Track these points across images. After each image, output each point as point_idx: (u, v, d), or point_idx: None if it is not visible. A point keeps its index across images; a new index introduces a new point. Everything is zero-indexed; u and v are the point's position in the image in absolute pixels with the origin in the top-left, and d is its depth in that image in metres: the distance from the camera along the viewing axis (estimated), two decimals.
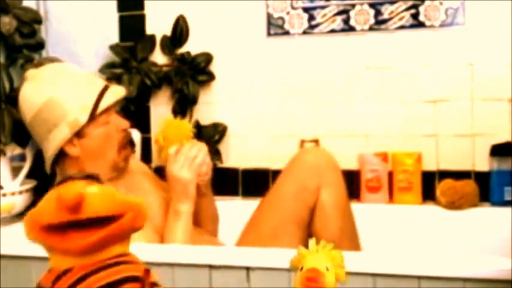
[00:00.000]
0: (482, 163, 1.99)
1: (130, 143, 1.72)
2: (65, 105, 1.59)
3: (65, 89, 1.62)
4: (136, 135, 2.09)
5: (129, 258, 0.80)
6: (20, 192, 1.84)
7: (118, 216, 0.77)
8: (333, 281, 0.79)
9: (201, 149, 1.68)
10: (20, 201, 1.84)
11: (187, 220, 1.65)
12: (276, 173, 2.10)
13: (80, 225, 0.75)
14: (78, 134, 1.61)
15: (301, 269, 0.80)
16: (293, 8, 2.10)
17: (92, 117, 1.60)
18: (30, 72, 1.68)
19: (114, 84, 1.71)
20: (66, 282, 0.77)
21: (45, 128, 1.62)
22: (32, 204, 1.88)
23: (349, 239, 1.76)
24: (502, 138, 1.96)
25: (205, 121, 2.18)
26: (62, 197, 0.74)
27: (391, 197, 2.06)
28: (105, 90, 1.63)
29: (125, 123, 1.68)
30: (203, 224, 1.84)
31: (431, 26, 2.01)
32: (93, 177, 0.79)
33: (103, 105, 1.61)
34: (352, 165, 2.07)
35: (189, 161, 1.65)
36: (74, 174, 0.80)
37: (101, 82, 1.68)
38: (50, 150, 1.63)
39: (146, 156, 2.21)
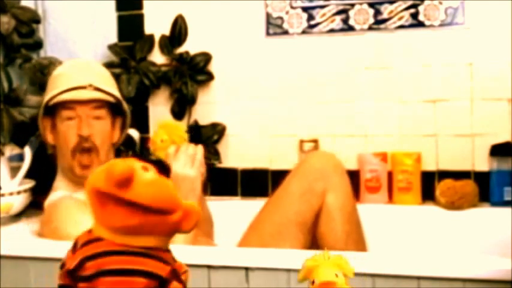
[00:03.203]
0: (482, 163, 1.99)
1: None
2: (56, 83, 1.70)
3: (70, 73, 1.72)
4: (135, 135, 2.09)
5: (161, 254, 0.79)
6: (18, 193, 1.83)
7: (165, 212, 0.76)
8: (344, 284, 0.83)
9: (198, 147, 1.68)
10: (18, 202, 1.83)
11: None
12: (275, 173, 2.10)
13: (124, 203, 0.74)
14: (53, 122, 1.72)
15: (313, 282, 0.84)
16: (292, 7, 2.10)
17: (49, 100, 1.68)
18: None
19: (93, 90, 1.70)
20: (90, 250, 0.76)
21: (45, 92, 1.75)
22: (31, 204, 1.88)
23: (355, 243, 1.75)
24: (502, 138, 1.95)
25: (204, 121, 2.17)
26: (110, 168, 0.73)
27: (390, 197, 2.05)
28: (78, 88, 1.67)
29: (84, 130, 1.68)
30: (198, 225, 1.83)
31: (431, 26, 2.00)
32: (164, 167, 0.79)
33: (59, 98, 1.67)
34: (351, 165, 2.06)
35: (190, 159, 1.65)
36: (149, 155, 0.80)
37: (85, 82, 1.69)
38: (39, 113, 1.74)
39: (145, 157, 2.20)
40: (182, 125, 1.76)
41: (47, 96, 1.70)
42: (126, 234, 0.76)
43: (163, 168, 0.79)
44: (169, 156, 1.66)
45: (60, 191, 1.71)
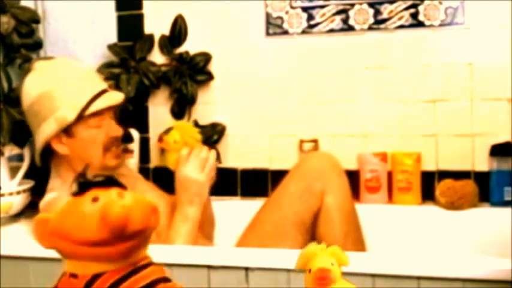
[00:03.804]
0: (482, 163, 1.99)
1: (128, 142, 1.73)
2: (56, 101, 1.60)
3: (63, 84, 1.62)
4: (134, 135, 2.09)
5: (150, 259, 0.81)
6: (18, 193, 1.83)
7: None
8: (339, 273, 0.87)
9: (211, 152, 1.68)
10: (18, 202, 1.83)
11: (194, 226, 1.65)
12: (275, 173, 2.10)
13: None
14: (68, 132, 1.62)
15: (310, 271, 0.87)
16: (292, 7, 2.10)
17: (80, 117, 1.60)
18: (38, 64, 1.68)
19: (113, 90, 1.70)
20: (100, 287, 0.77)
21: (36, 120, 1.64)
22: (30, 204, 1.88)
23: (354, 244, 1.75)
24: (502, 138, 1.95)
25: (203, 121, 2.17)
26: (108, 219, 0.73)
27: (390, 197, 2.05)
28: (101, 93, 1.63)
29: (117, 130, 1.68)
30: (200, 227, 1.84)
31: (431, 26, 2.00)
32: (112, 181, 0.79)
33: (94, 107, 1.61)
34: (351, 165, 2.06)
35: (202, 163, 1.65)
36: (91, 178, 0.78)
37: (101, 85, 1.67)
38: (38, 143, 1.65)
39: (144, 157, 2.21)
40: (194, 127, 1.75)
41: (71, 112, 1.59)
42: (125, 259, 0.77)
43: (114, 182, 0.79)
44: (181, 158, 1.66)
45: (56, 191, 1.70)
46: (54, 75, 1.65)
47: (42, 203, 1.66)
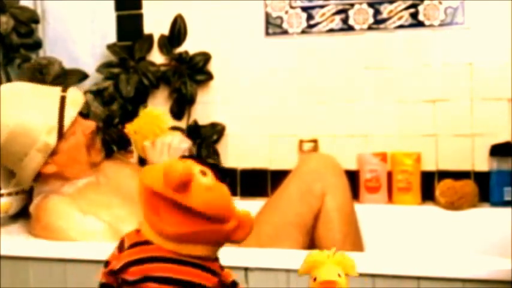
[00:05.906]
0: (482, 163, 1.99)
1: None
2: (29, 133, 1.59)
3: (23, 114, 1.59)
4: None
5: (210, 264, 0.77)
6: (17, 193, 1.82)
7: (220, 220, 0.74)
8: (346, 285, 0.82)
9: (175, 135, 1.69)
10: (17, 202, 1.82)
11: None
12: (275, 173, 2.10)
13: (178, 208, 0.72)
14: (51, 153, 1.62)
15: (315, 279, 0.82)
16: (291, 7, 2.09)
17: (60, 136, 1.61)
18: None
19: (68, 91, 1.66)
20: (136, 253, 0.75)
21: (15, 158, 1.62)
22: (28, 205, 1.87)
23: (352, 245, 1.75)
24: (502, 138, 1.95)
25: (203, 121, 2.17)
26: (169, 171, 0.71)
27: (390, 197, 2.05)
28: (63, 103, 1.62)
29: (90, 125, 1.68)
30: None
31: (431, 26, 2.00)
32: (221, 172, 0.77)
33: (68, 120, 1.61)
34: (351, 166, 2.06)
35: (166, 147, 1.65)
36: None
37: (55, 94, 1.64)
38: (25, 176, 1.65)
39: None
40: (162, 114, 1.74)
41: (50, 136, 1.59)
42: (176, 242, 0.74)
43: (220, 173, 0.77)
44: (147, 148, 1.68)
45: (43, 194, 1.69)
46: (8, 109, 1.60)
47: (33, 206, 1.67)
